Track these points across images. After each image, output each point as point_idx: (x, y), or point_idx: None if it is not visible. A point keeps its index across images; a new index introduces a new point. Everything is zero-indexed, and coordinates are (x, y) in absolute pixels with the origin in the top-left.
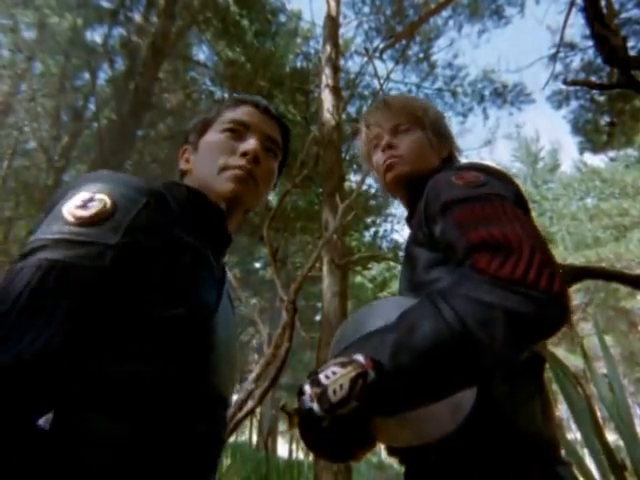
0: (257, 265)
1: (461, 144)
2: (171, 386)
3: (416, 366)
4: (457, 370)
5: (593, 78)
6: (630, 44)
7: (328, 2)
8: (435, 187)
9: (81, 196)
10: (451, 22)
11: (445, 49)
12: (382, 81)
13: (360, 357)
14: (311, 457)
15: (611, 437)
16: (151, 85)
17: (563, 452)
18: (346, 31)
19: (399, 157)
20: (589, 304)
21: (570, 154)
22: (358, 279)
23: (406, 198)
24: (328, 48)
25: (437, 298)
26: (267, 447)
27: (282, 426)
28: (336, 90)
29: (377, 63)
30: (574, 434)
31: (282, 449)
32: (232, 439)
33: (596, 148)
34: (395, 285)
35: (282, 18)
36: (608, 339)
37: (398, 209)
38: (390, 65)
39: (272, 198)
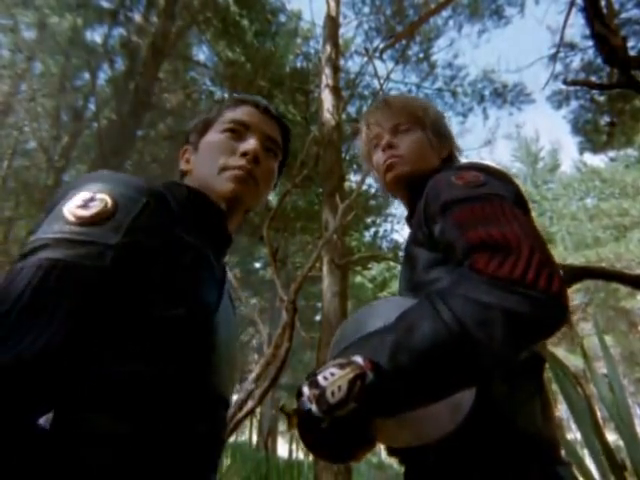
0: (257, 265)
1: (461, 144)
2: (171, 386)
3: (415, 367)
4: (456, 370)
5: (593, 78)
6: (630, 44)
7: (328, 2)
8: (435, 187)
9: (82, 196)
10: (451, 22)
11: (445, 49)
12: (382, 81)
13: (359, 358)
14: (311, 457)
15: (611, 437)
16: (151, 85)
17: (563, 452)
18: (346, 31)
19: (399, 157)
20: (589, 304)
21: (570, 154)
22: (358, 279)
23: (406, 198)
24: (328, 48)
25: (436, 299)
26: (267, 447)
27: (282, 426)
28: (336, 90)
29: (377, 63)
30: (574, 434)
31: (282, 449)
32: (232, 439)
33: (596, 148)
34: (395, 285)
35: (282, 18)
36: (608, 339)
37: (398, 209)
38: (390, 65)
39: (272, 198)
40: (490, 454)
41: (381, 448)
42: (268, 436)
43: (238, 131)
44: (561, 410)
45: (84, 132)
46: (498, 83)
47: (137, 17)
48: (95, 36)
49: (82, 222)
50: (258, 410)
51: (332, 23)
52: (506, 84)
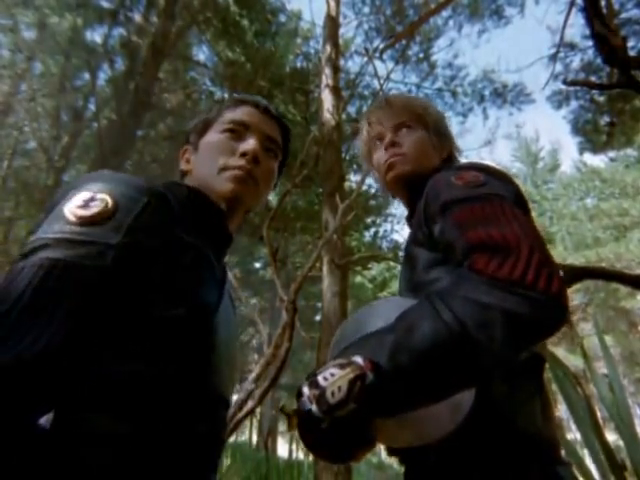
0: (257, 265)
1: (461, 144)
2: (171, 386)
3: (414, 367)
4: (456, 371)
5: (593, 78)
6: (630, 44)
7: (328, 2)
8: (435, 187)
9: (82, 196)
10: (451, 22)
11: (445, 49)
12: (382, 81)
13: (359, 359)
14: (311, 457)
15: (611, 437)
16: (151, 85)
17: (563, 452)
18: (346, 31)
19: (402, 155)
20: (589, 304)
21: (570, 154)
22: (358, 279)
23: (406, 198)
24: (328, 48)
25: (435, 299)
26: (267, 447)
27: (282, 426)
28: (336, 90)
29: (377, 63)
30: (574, 434)
31: (282, 449)
32: (232, 439)
33: (596, 148)
34: (395, 285)
35: (282, 18)
36: (608, 339)
37: (398, 209)
38: (390, 65)
39: (272, 198)
40: (490, 454)
41: (381, 448)
42: (268, 436)
43: (238, 131)
44: (561, 410)
45: (84, 132)
46: (498, 83)
47: (137, 17)
48: (95, 36)
49: (83, 222)
50: (258, 410)
51: (332, 23)
52: (506, 84)
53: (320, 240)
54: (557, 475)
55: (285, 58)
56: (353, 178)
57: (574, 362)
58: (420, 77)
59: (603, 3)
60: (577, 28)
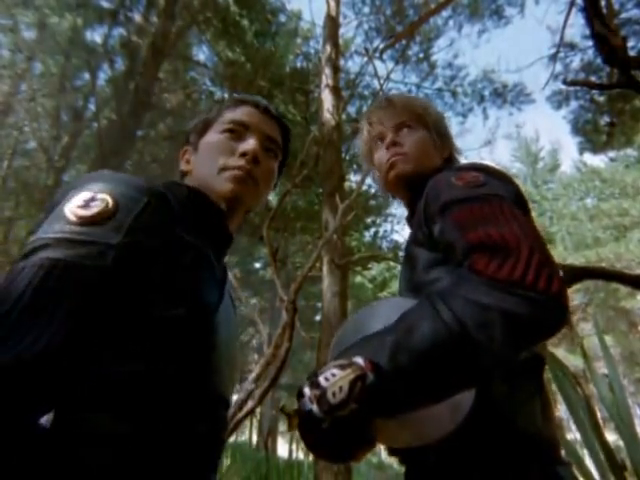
0: (257, 265)
1: (461, 144)
2: (172, 386)
3: (415, 367)
4: (456, 371)
5: (593, 78)
6: (630, 44)
7: (328, 2)
8: (435, 187)
9: (83, 196)
10: (451, 22)
11: (445, 49)
12: (382, 81)
13: (359, 359)
14: (311, 457)
15: (611, 437)
16: (151, 85)
17: (563, 452)
18: (346, 31)
19: (403, 154)
20: (589, 304)
21: (570, 154)
22: (358, 279)
23: (407, 198)
24: (328, 48)
25: (435, 299)
26: (267, 447)
27: (282, 426)
28: (336, 90)
29: (377, 63)
30: (574, 434)
31: (282, 449)
32: (232, 439)
33: (596, 148)
34: (395, 285)
35: (282, 18)
36: (608, 339)
37: (398, 209)
38: (390, 65)
39: (272, 198)
40: (490, 454)
41: (381, 448)
42: (268, 436)
43: (238, 131)
44: (561, 410)
45: (84, 132)
46: (498, 83)
47: (137, 17)
48: (95, 36)
49: (83, 222)
50: (258, 410)
51: (332, 23)
52: (506, 84)
53: (320, 240)
54: (557, 475)
55: (285, 58)
56: (353, 178)
57: (574, 362)
58: (420, 77)
59: (603, 3)
60: (577, 28)
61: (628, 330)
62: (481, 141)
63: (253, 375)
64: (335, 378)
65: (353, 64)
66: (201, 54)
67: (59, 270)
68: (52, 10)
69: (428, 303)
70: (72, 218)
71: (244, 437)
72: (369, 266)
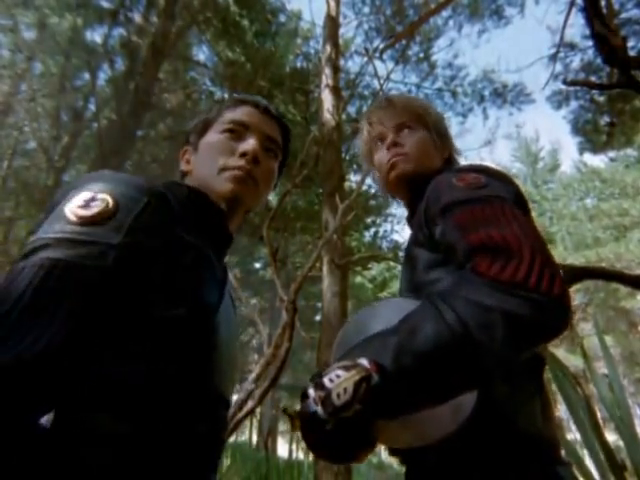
0: (257, 265)
1: (461, 144)
2: (172, 386)
3: (418, 368)
4: (459, 372)
5: (593, 78)
6: (630, 44)
7: (328, 2)
8: (436, 189)
9: (83, 196)
10: (451, 22)
11: (445, 49)
12: (382, 81)
13: (364, 360)
14: (311, 457)
15: (611, 437)
16: (151, 85)
17: (563, 452)
18: (346, 31)
19: (404, 155)
20: (589, 304)
21: (570, 154)
22: (358, 279)
23: (407, 198)
24: (328, 48)
25: (438, 300)
26: (267, 447)
27: (282, 426)
28: (336, 90)
29: (377, 63)
30: (574, 434)
31: (282, 449)
32: (232, 439)
33: (596, 148)
34: (395, 285)
35: (282, 18)
36: (608, 339)
37: (398, 209)
38: (390, 65)
39: (272, 198)
40: (491, 454)
41: (381, 448)
42: (268, 436)
43: (238, 131)
44: (561, 410)
45: (84, 132)
46: (498, 83)
47: (137, 17)
48: (95, 36)
49: (83, 222)
50: (258, 410)
51: (332, 23)
52: (506, 84)
53: (320, 240)
54: (557, 475)
55: (285, 58)
56: (353, 178)
57: (574, 362)
58: (420, 77)
59: (603, 3)
60: (577, 28)
61: (628, 330)
62: (481, 141)
63: (253, 375)
64: (340, 379)
65: (353, 64)
66: (201, 54)
67: (59, 270)
68: (52, 10)
69: (431, 304)
70: (72, 218)
71: (244, 437)
72: (369, 266)
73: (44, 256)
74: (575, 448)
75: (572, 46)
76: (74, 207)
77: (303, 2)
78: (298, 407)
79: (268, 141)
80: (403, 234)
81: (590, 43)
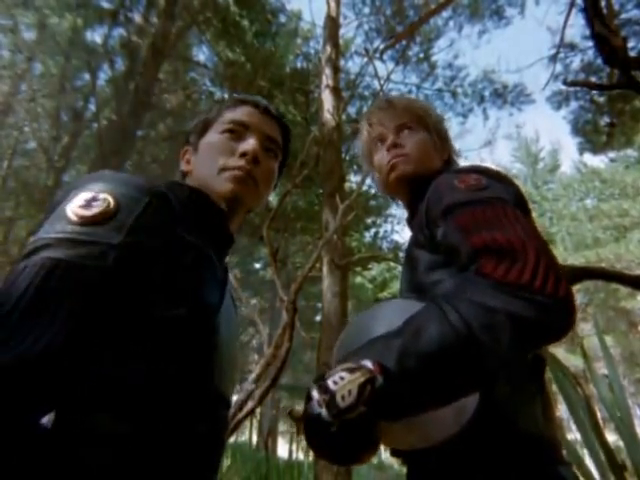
0: (257, 265)
1: (461, 145)
2: (172, 386)
3: (422, 369)
4: (463, 373)
5: (593, 79)
6: (630, 45)
7: (328, 2)
8: (437, 190)
9: (84, 196)
10: (451, 23)
11: (445, 49)
12: (382, 82)
13: (368, 362)
14: (311, 457)
15: (611, 437)
16: (151, 85)
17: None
18: (346, 31)
19: (404, 155)
20: (589, 304)
21: (570, 155)
22: (358, 279)
23: (407, 199)
24: (328, 48)
25: (442, 302)
26: (267, 447)
27: (282, 426)
28: (336, 90)
29: (377, 64)
30: (574, 434)
31: (282, 449)
32: (232, 439)
33: (596, 149)
34: (395, 286)
35: (282, 18)
36: (608, 339)
37: (398, 210)
38: (390, 66)
39: (272, 198)
40: (492, 455)
41: (382, 448)
42: (268, 436)
43: (237, 131)
44: (561, 410)
45: (84, 132)
46: (498, 84)
47: (137, 17)
48: (95, 36)
49: (84, 222)
50: (258, 410)
51: (332, 23)
52: (506, 84)
53: (320, 240)
54: (559, 475)
55: (285, 58)
56: (353, 178)
57: (574, 362)
58: (420, 78)
59: (603, 4)
60: (577, 28)
61: (628, 330)
62: (481, 141)
63: (253, 375)
64: (344, 382)
65: (353, 64)
66: (201, 54)
67: (60, 270)
68: (52, 10)
69: (435, 306)
70: (73, 218)
71: (244, 437)
72: (369, 266)
73: (45, 256)
74: (575, 448)
75: (572, 47)
76: (75, 207)
77: (303, 2)
78: (300, 407)
79: (268, 141)
80: (403, 234)
81: (590, 44)
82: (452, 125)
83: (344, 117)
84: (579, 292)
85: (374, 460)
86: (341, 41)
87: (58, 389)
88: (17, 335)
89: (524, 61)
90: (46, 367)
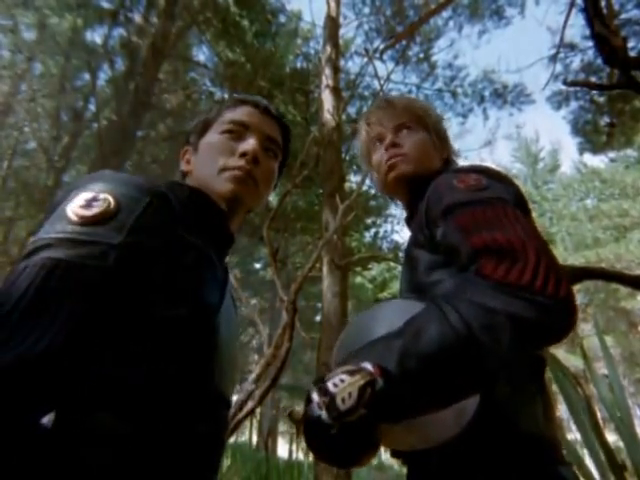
0: (257, 265)
1: (461, 145)
2: (173, 386)
3: (423, 371)
4: (463, 374)
5: (593, 79)
6: (630, 45)
7: (328, 2)
8: (436, 190)
9: (84, 196)
10: (451, 23)
11: (445, 50)
12: (382, 82)
13: (368, 365)
14: (311, 457)
15: (611, 438)
16: (151, 86)
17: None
18: (346, 32)
19: (403, 155)
20: (589, 305)
21: (570, 155)
22: (358, 279)
23: (406, 199)
24: (328, 49)
25: (442, 303)
26: (267, 447)
27: (282, 426)
28: (336, 91)
29: (377, 64)
30: (574, 434)
31: (282, 449)
32: (232, 439)
33: (596, 149)
34: (395, 286)
35: (282, 18)
36: (608, 339)
37: (398, 210)
38: (390, 66)
39: (272, 198)
40: (493, 455)
41: (382, 449)
42: (268, 436)
43: (238, 131)
44: (561, 410)
45: (84, 132)
46: (498, 84)
47: (137, 18)
48: (95, 36)
49: (85, 222)
50: (258, 410)
51: (332, 23)
52: (506, 85)
53: (320, 240)
54: (559, 475)
55: (285, 58)
56: (353, 179)
57: (574, 363)
58: (420, 78)
59: (603, 4)
60: (577, 29)
61: (628, 330)
62: (481, 142)
63: (253, 376)
64: (344, 384)
65: (353, 65)
66: (201, 54)
67: (61, 270)
68: (52, 10)
69: (435, 307)
70: (74, 218)
71: (244, 437)
72: (369, 267)
73: (45, 256)
74: (575, 448)
75: (572, 47)
76: (75, 207)
77: (303, 2)
78: (300, 408)
79: (268, 141)
80: (403, 235)
81: (590, 44)
82: (452, 125)
83: (344, 117)
84: (579, 292)
85: (374, 461)
86: (341, 41)
87: (58, 389)
88: (17, 335)
89: (524, 61)
90: (46, 367)
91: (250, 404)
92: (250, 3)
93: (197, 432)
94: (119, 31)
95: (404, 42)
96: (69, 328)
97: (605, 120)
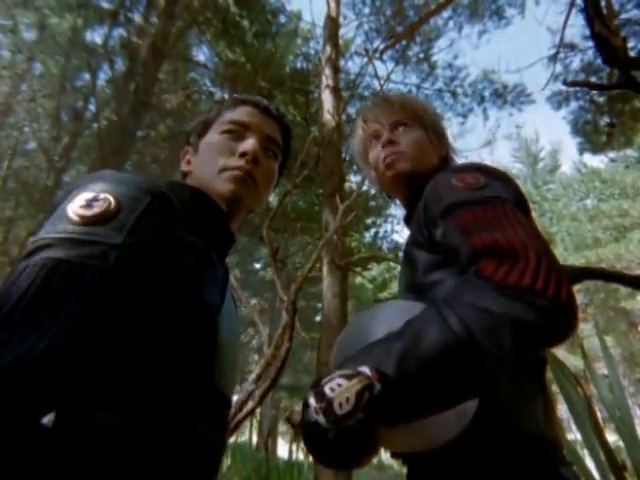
0: (257, 266)
1: (461, 145)
2: (173, 386)
3: (422, 374)
4: (463, 377)
5: (593, 79)
6: (630, 45)
7: (328, 3)
8: (435, 189)
9: (85, 195)
10: (451, 23)
11: (445, 50)
12: (382, 82)
13: (365, 369)
14: (311, 458)
15: (611, 438)
16: (151, 86)
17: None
18: (346, 32)
19: (400, 153)
20: (589, 305)
21: (570, 155)
22: (358, 280)
23: (404, 197)
24: (328, 49)
25: (442, 305)
26: (267, 447)
27: (282, 426)
28: (336, 91)
29: (377, 64)
30: (574, 434)
31: (282, 449)
32: (232, 439)
33: (596, 149)
34: (395, 286)
35: (282, 19)
36: (608, 340)
37: (398, 210)
38: (390, 66)
39: (272, 198)
40: (494, 455)
41: (382, 449)
42: (268, 437)
43: (238, 131)
44: (561, 410)
45: (84, 133)
46: (498, 84)
47: (137, 18)
48: (95, 37)
49: (85, 222)
50: (258, 411)
51: (332, 24)
52: (506, 85)
53: (320, 241)
54: (560, 475)
55: (285, 59)
56: (353, 179)
57: (574, 363)
58: (420, 78)
59: (603, 4)
60: (577, 29)
61: (628, 331)
62: (481, 141)
63: (253, 376)
64: (341, 389)
65: (353, 65)
66: (201, 55)
67: (61, 270)
68: (52, 10)
69: (435, 309)
70: (74, 218)
71: (244, 437)
72: (369, 267)
73: (46, 256)
74: (575, 448)
75: (572, 47)
76: (76, 207)
77: (303, 2)
78: (298, 409)
79: (268, 141)
80: (403, 235)
81: (590, 44)
82: (452, 125)
83: (344, 117)
84: (579, 292)
85: (374, 460)
86: (341, 41)
87: (58, 389)
88: (17, 335)
89: (524, 61)
90: (46, 367)
91: (250, 404)
92: (250, 3)
93: (197, 432)
94: (119, 31)
95: (404, 42)
96: (69, 328)
97: (605, 120)
